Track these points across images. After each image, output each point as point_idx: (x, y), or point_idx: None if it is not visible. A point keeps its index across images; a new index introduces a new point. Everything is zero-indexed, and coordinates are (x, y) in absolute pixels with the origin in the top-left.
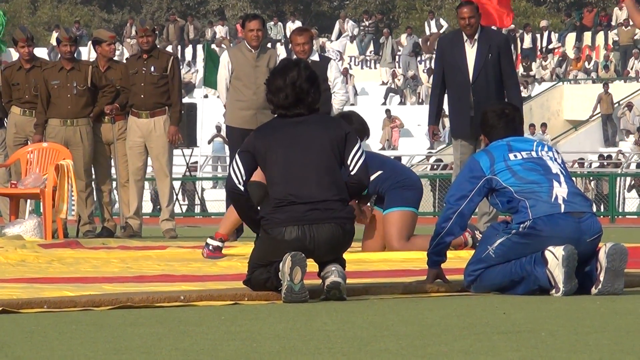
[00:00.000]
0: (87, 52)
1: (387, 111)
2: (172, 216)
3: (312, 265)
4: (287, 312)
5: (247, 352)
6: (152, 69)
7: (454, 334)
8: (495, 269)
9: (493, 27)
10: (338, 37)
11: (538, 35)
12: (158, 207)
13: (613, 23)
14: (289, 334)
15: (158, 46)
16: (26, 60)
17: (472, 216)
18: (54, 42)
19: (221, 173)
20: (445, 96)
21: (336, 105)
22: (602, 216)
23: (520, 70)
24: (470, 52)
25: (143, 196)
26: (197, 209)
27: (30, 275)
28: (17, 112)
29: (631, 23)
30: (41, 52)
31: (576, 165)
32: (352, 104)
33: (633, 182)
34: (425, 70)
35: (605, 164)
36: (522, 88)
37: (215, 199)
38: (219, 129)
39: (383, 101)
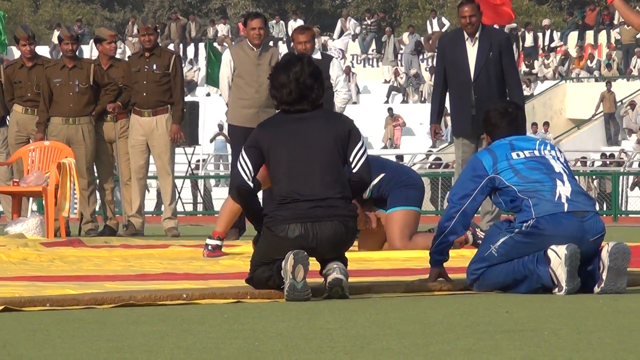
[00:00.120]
0: (89, 51)
1: (390, 109)
2: (174, 215)
3: (314, 264)
4: (289, 310)
5: (250, 351)
6: (154, 67)
7: (456, 333)
8: (497, 267)
9: (495, 26)
10: (340, 36)
11: (540, 34)
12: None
13: (615, 22)
14: (292, 332)
15: (160, 44)
16: (28, 59)
17: (475, 215)
18: (55, 40)
19: (223, 171)
20: (447, 95)
21: (338, 104)
22: (604, 215)
23: (523, 68)
24: (472, 50)
25: (146, 194)
26: (200, 207)
27: (32, 274)
28: (19, 111)
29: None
30: (43, 51)
31: (579, 164)
32: (355, 103)
33: (636, 180)
34: (427, 69)
35: (607, 162)
36: (524, 87)
37: (217, 197)
38: (221, 127)
39: (385, 99)
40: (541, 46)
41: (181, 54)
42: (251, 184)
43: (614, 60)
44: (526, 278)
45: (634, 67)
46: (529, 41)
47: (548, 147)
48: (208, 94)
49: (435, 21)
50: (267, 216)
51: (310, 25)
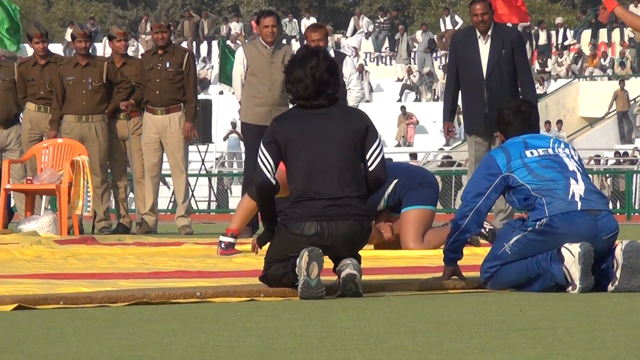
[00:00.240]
0: (102, 48)
1: (403, 108)
2: (187, 213)
3: (328, 263)
4: (303, 308)
5: (263, 349)
6: (168, 65)
7: (470, 331)
8: (511, 266)
9: (508, 24)
10: (353, 34)
11: (553, 32)
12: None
13: None
14: (305, 330)
15: (173, 42)
16: (41, 56)
17: (488, 213)
18: (68, 38)
19: (237, 169)
20: (460, 93)
21: (351, 102)
22: (618, 213)
23: (536, 67)
24: (484, 48)
25: (159, 192)
26: (213, 206)
27: (46, 271)
28: (32, 108)
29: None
30: (56, 48)
31: (592, 162)
32: (367, 101)
33: None
34: (440, 67)
35: (621, 161)
36: (537, 85)
37: (235, 195)
38: (234, 125)
39: (398, 98)
40: (554, 44)
41: (194, 51)
42: (273, 181)
43: (628, 58)
44: (540, 276)
45: None
46: (542, 39)
47: (562, 146)
48: (221, 92)
49: (448, 19)
50: (282, 213)
51: (323, 23)
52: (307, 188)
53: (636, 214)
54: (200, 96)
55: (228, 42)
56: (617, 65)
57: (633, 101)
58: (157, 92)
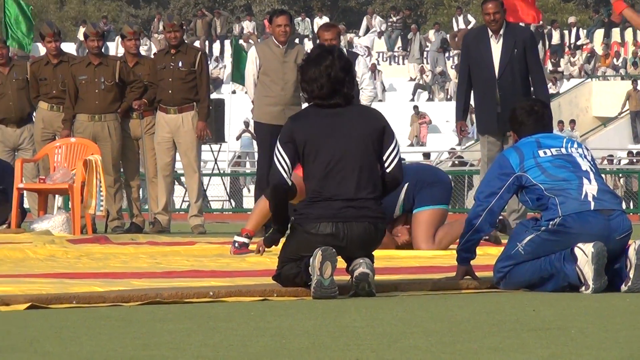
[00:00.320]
0: (115, 48)
1: (415, 107)
2: (200, 212)
3: (341, 262)
4: (316, 308)
5: (276, 348)
6: (180, 64)
7: (483, 331)
8: (524, 265)
9: (521, 24)
10: (366, 33)
11: (566, 32)
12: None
13: None
14: (318, 330)
15: (186, 41)
16: (53, 55)
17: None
18: (81, 37)
19: (250, 169)
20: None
21: (364, 102)
22: (631, 213)
23: (549, 66)
24: (496, 47)
25: (173, 192)
26: (226, 205)
27: (59, 271)
28: (44, 108)
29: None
30: (69, 47)
31: (605, 162)
32: (380, 100)
33: None
34: (453, 67)
35: (634, 160)
36: (550, 84)
37: (250, 195)
38: (247, 124)
39: (411, 97)
40: (567, 44)
41: (207, 51)
42: (289, 182)
43: None
44: (553, 276)
45: None
46: (555, 39)
47: (575, 145)
48: (234, 92)
49: (461, 19)
50: (297, 212)
51: (336, 23)
52: (324, 188)
53: None
54: (213, 95)
55: (240, 41)
56: (630, 65)
57: None
58: (170, 91)
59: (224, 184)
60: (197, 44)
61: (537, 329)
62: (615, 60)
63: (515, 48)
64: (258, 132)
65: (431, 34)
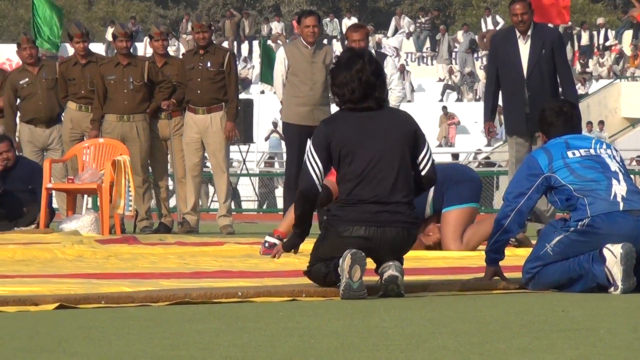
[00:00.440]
0: (144, 48)
1: (444, 108)
2: (229, 212)
3: (370, 263)
4: (344, 308)
5: (305, 349)
6: (209, 64)
7: (512, 332)
8: (553, 266)
9: (550, 25)
10: (394, 34)
11: (595, 33)
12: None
13: None
14: (347, 330)
15: (214, 42)
16: (82, 56)
17: None
18: (109, 37)
19: (278, 169)
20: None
21: (392, 102)
22: None
23: (577, 67)
24: (524, 48)
25: (201, 192)
26: (255, 205)
27: (87, 271)
28: (73, 108)
29: None
30: (98, 48)
31: (634, 163)
32: (409, 101)
33: None
34: (482, 67)
35: None
36: (579, 85)
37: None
38: (275, 125)
39: (440, 98)
40: (596, 45)
41: (235, 51)
42: (320, 188)
43: None
44: (581, 277)
45: None
46: (584, 40)
47: (604, 146)
48: (262, 92)
49: (489, 19)
50: (329, 212)
51: (364, 23)
52: (359, 191)
53: None
54: (242, 96)
55: (269, 42)
56: None
57: None
58: (199, 91)
59: (252, 184)
60: (225, 44)
61: (565, 329)
62: None
63: (544, 48)
64: (286, 133)
65: (460, 34)
